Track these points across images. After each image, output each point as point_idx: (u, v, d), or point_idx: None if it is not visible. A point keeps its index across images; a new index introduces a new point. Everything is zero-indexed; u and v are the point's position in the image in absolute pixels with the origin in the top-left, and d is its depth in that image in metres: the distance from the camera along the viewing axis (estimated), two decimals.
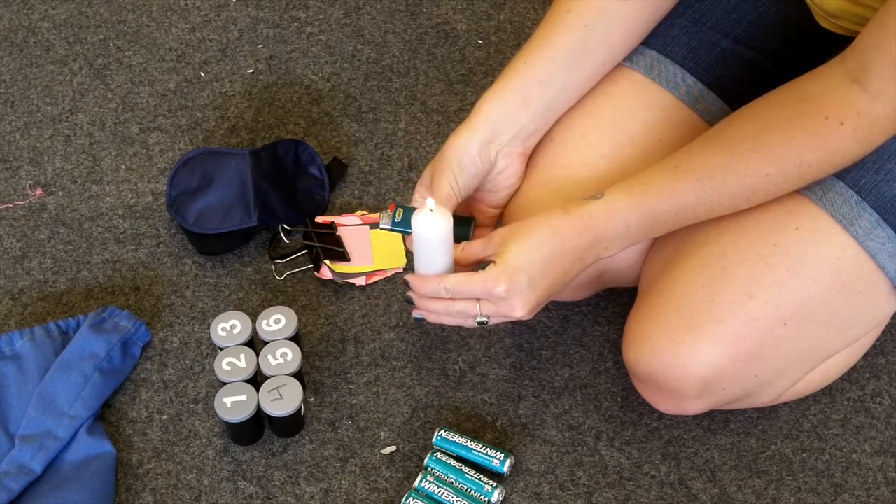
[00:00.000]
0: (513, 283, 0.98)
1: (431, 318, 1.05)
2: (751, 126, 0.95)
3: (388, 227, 1.07)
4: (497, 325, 1.04)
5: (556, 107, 1.10)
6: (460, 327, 1.22)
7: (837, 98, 0.90)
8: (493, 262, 0.99)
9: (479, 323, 1.01)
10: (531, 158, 1.11)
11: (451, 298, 1.01)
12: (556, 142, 1.11)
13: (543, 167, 1.11)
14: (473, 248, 1.03)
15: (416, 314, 1.05)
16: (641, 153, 1.10)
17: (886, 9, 0.87)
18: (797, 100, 0.93)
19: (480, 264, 1.02)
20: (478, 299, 1.00)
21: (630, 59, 1.12)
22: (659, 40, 1.12)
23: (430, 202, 0.97)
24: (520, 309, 0.99)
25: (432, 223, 0.95)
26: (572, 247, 0.99)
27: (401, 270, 1.29)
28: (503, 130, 1.07)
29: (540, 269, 0.99)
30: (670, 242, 1.07)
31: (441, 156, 1.06)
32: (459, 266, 1.04)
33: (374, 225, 1.33)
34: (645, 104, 1.11)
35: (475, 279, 0.98)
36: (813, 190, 0.99)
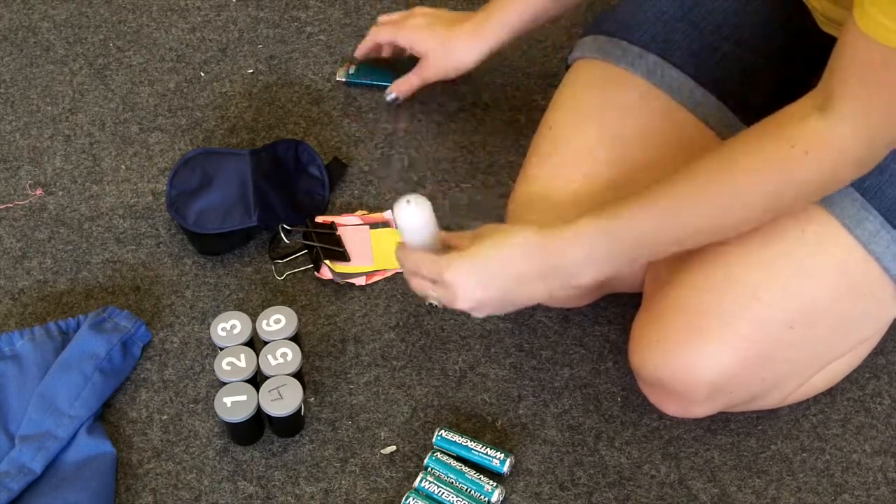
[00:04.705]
0: (460, 274, 0.99)
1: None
2: (718, 162, 0.93)
3: (344, 79, 1.29)
4: (448, 309, 1.07)
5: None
6: (460, 327, 1.23)
7: (805, 127, 0.87)
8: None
9: (430, 304, 1.07)
10: (531, 169, 1.12)
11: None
12: (558, 151, 1.11)
13: (546, 180, 1.11)
14: (461, 238, 1.03)
15: None
16: (643, 159, 1.10)
17: (843, 32, 0.85)
18: (764, 133, 0.91)
19: None
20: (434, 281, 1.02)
21: (631, 62, 1.12)
22: (660, 44, 1.12)
23: (409, 197, 1.03)
24: (460, 301, 1.00)
25: (412, 215, 1.03)
26: (535, 264, 0.99)
27: (401, 270, 1.29)
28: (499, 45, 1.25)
29: (493, 273, 0.99)
30: None
31: (444, 50, 1.23)
32: (447, 246, 1.06)
33: (375, 225, 1.34)
34: (646, 109, 1.11)
35: (429, 261, 1.01)
36: None
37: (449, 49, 1.26)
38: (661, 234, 0.96)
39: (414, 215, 1.03)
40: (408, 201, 1.04)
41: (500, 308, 1.04)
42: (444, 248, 1.05)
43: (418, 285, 1.04)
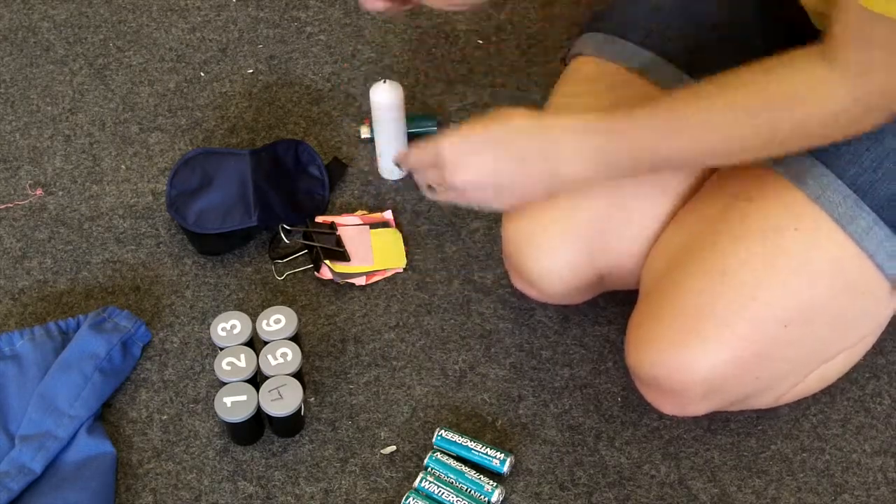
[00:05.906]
0: (456, 147, 1.00)
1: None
2: (721, 93, 0.94)
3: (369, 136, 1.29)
4: (446, 201, 1.06)
5: None
6: (460, 327, 1.23)
7: (812, 75, 0.88)
8: None
9: (429, 188, 1.05)
10: None
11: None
12: None
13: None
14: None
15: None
16: None
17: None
18: (768, 71, 0.92)
19: None
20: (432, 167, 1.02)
21: (628, 59, 1.12)
22: (656, 41, 1.13)
23: (385, 80, 1.24)
24: (458, 175, 1.00)
25: (385, 93, 1.22)
26: (535, 143, 0.99)
27: (401, 270, 1.29)
28: None
29: (491, 146, 0.99)
30: (671, 245, 1.07)
31: None
32: None
33: (375, 225, 1.34)
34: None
35: (426, 144, 1.02)
36: (811, 189, 0.99)
37: None
38: (656, 142, 0.96)
39: (387, 93, 1.20)
40: (384, 81, 1.24)
41: (496, 194, 1.02)
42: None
43: (420, 178, 1.05)
